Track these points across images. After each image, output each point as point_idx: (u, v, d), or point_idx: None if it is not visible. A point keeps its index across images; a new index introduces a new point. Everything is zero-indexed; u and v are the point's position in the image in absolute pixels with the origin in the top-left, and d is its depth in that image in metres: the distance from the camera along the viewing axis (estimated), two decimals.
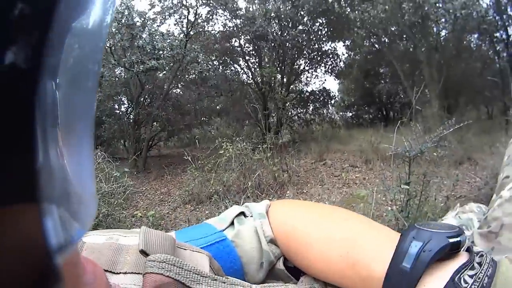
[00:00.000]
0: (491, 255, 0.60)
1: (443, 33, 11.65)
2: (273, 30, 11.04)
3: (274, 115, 11.48)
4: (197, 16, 10.92)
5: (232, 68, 12.56)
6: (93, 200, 0.27)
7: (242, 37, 11.97)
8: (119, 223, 4.82)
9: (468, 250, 0.53)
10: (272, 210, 0.73)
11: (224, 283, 0.53)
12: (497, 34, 12.13)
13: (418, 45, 10.74)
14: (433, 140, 4.84)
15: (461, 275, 0.48)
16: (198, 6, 10.74)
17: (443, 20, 9.98)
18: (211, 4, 10.78)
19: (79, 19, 0.21)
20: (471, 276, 0.47)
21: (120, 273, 0.50)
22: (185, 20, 10.83)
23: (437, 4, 9.21)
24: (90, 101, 0.27)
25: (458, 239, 0.51)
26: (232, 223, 0.69)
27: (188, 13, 10.76)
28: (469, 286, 0.46)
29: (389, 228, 0.62)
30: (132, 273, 0.51)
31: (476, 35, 12.45)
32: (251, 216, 0.71)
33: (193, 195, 6.46)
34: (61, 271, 0.20)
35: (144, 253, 0.50)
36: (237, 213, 0.71)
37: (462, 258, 0.52)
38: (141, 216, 5.36)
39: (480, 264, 0.49)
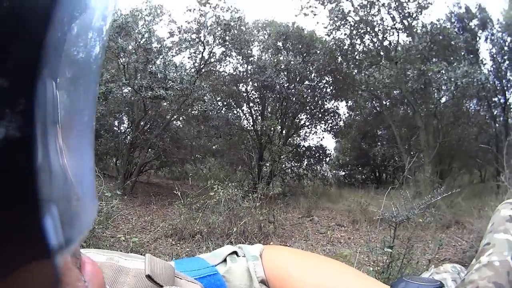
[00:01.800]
0: None
1: (443, 99, 11.99)
2: (281, 81, 11.21)
3: (268, 165, 11.47)
4: (211, 55, 11.12)
5: (235, 112, 12.68)
6: (93, 201, 0.28)
7: (250, 83, 12.17)
8: (99, 241, 4.79)
9: None
10: (266, 253, 0.77)
11: None
12: (495, 99, 12.54)
13: (417, 110, 10.97)
14: (420, 207, 4.91)
15: None
16: (214, 45, 10.92)
17: (444, 87, 10.26)
18: (226, 46, 10.97)
19: (80, 19, 0.22)
20: None
21: None
22: (199, 56, 11.02)
23: (441, 71, 9.48)
24: (91, 101, 0.28)
25: None
26: (224, 260, 0.73)
27: (204, 50, 10.95)
28: None
29: (378, 281, 0.68)
30: None
31: (475, 101, 12.81)
32: (244, 256, 0.75)
33: (176, 230, 6.40)
34: (61, 271, 0.21)
35: (150, 278, 0.55)
36: (231, 252, 0.75)
37: None
38: (123, 240, 5.29)
39: None
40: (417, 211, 4.88)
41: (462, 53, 11.77)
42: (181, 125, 12.78)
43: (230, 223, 6.25)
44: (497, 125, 12.71)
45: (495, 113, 12.94)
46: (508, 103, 12.77)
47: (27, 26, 0.17)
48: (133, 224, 7.15)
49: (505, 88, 12.67)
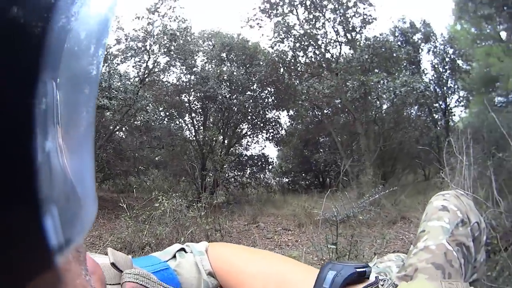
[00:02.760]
0: None
1: (384, 107, 12.64)
2: (223, 92, 11.28)
3: (211, 175, 11.49)
4: (155, 64, 11.03)
5: (177, 122, 12.61)
6: (93, 200, 0.29)
7: (193, 93, 12.16)
8: None
9: (376, 278, 0.74)
10: (211, 249, 0.88)
11: None
12: (436, 105, 13.49)
13: (358, 118, 11.38)
14: (360, 205, 5.15)
15: None
16: (159, 54, 10.86)
17: (384, 96, 10.71)
18: (171, 56, 10.93)
19: (80, 19, 0.23)
20: None
21: None
22: (144, 65, 10.91)
23: (381, 81, 9.97)
24: (90, 101, 0.28)
25: (364, 269, 0.72)
26: (174, 256, 0.83)
27: (149, 59, 10.85)
28: None
29: (311, 266, 0.81)
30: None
31: (416, 107, 13.59)
32: (191, 252, 0.85)
33: (125, 243, 6.25)
34: (61, 270, 0.22)
35: (114, 265, 0.64)
36: (179, 249, 0.85)
37: (369, 282, 0.71)
38: None
39: (383, 285, 0.71)
40: (357, 209, 5.15)
41: (404, 64, 12.48)
42: (123, 136, 12.47)
43: (177, 233, 6.23)
44: (438, 128, 13.76)
45: (436, 117, 14.14)
46: (448, 107, 14.00)
47: (28, 26, 0.18)
48: None
49: (446, 95, 13.90)
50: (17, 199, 0.18)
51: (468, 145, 5.05)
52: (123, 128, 12.09)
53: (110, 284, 0.62)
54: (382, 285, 0.69)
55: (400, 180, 12.21)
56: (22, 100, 0.17)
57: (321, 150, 14.46)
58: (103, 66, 9.55)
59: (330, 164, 14.06)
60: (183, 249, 0.85)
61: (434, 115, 14.30)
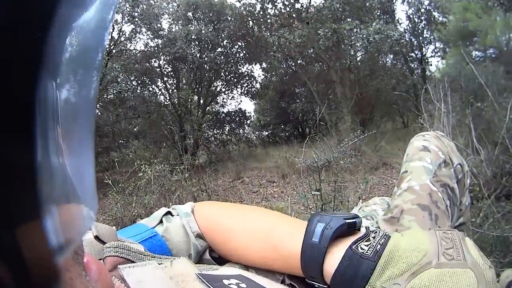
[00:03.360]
0: None
1: (358, 55, 12.58)
2: (192, 51, 11.14)
3: (190, 136, 11.49)
4: (121, 33, 10.84)
5: (150, 89, 12.45)
6: (93, 200, 0.29)
7: (162, 57, 11.96)
8: None
9: (366, 229, 0.69)
10: (197, 209, 0.86)
11: (160, 258, 0.65)
12: (412, 54, 13.52)
13: (332, 66, 11.31)
14: (340, 150, 5.16)
15: (358, 244, 0.64)
16: (123, 23, 10.64)
17: (358, 44, 10.63)
18: (135, 22, 10.69)
19: (80, 19, 0.23)
20: (366, 245, 0.64)
21: None
22: (109, 37, 10.60)
23: (354, 29, 9.81)
24: (90, 101, 0.28)
25: (353, 220, 0.68)
26: (161, 221, 0.81)
27: (113, 30, 10.60)
28: (365, 251, 0.62)
29: (298, 219, 0.79)
30: None
31: (391, 56, 13.59)
32: (178, 215, 0.83)
33: (116, 219, 6.20)
34: (61, 270, 0.22)
35: (98, 238, 0.63)
36: (165, 213, 0.83)
37: (360, 234, 0.68)
38: None
39: (374, 237, 0.65)
40: (337, 153, 5.17)
41: (377, 14, 12.34)
42: (99, 113, 12.31)
43: (164, 199, 6.22)
44: (414, 76, 13.84)
45: (412, 66, 14.26)
46: (424, 57, 14.06)
47: (28, 25, 0.18)
48: None
49: (422, 45, 13.98)
50: (17, 199, 0.18)
51: (445, 93, 5.06)
52: (97, 105, 11.84)
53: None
54: (374, 237, 0.65)
55: (379, 127, 12.36)
56: (22, 100, 0.17)
57: (298, 101, 14.49)
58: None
59: (308, 113, 14.12)
60: (169, 213, 0.84)
61: (410, 64, 14.40)
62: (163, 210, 0.85)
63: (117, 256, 0.61)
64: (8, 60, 0.17)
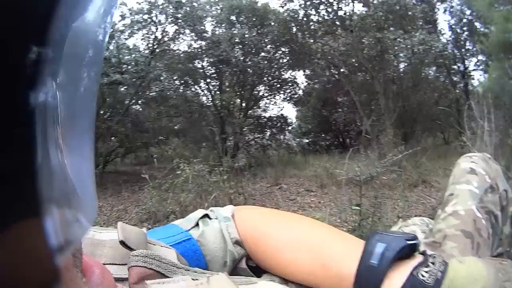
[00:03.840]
0: None
1: (401, 66, 12.24)
2: (236, 55, 11.19)
3: (231, 139, 11.49)
4: (164, 34, 10.98)
5: (193, 89, 12.60)
6: (93, 200, 0.29)
7: (206, 59, 12.02)
8: None
9: (424, 253, 0.64)
10: (238, 214, 0.78)
11: (196, 272, 0.59)
12: (455, 67, 13.07)
13: (375, 76, 11.06)
14: (383, 165, 5.03)
15: (419, 271, 0.59)
16: (166, 24, 10.78)
17: (402, 54, 10.44)
18: (179, 24, 10.83)
19: (80, 18, 0.22)
20: (427, 272, 0.59)
21: None
22: (152, 37, 10.86)
23: (398, 39, 9.61)
24: (91, 101, 0.28)
25: (415, 241, 0.62)
26: (197, 224, 0.74)
27: (156, 29, 10.79)
28: (426, 279, 0.58)
29: (350, 235, 0.72)
30: (110, 264, 0.56)
31: (434, 68, 13.22)
32: (216, 219, 0.76)
33: (150, 213, 6.35)
34: (61, 271, 0.22)
35: (123, 244, 0.56)
36: (202, 215, 0.76)
37: (419, 258, 0.62)
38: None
39: (433, 263, 0.61)
40: (380, 169, 5.03)
41: (420, 23, 11.86)
42: (140, 109, 12.57)
43: (200, 199, 6.21)
44: (457, 90, 13.24)
45: (454, 79, 13.51)
46: (467, 70, 13.38)
47: (27, 25, 0.17)
48: (107, 215, 7.06)
49: (464, 57, 13.30)
50: (17, 200, 0.18)
51: (489, 111, 4.89)
52: (139, 101, 12.20)
53: (119, 264, 0.57)
54: (433, 263, 0.60)
55: (420, 142, 12.05)
56: (21, 100, 0.17)
57: (340, 110, 14.28)
58: (111, 43, 9.66)
59: (350, 123, 13.88)
60: (206, 216, 0.77)
61: (453, 77, 13.69)
62: (200, 212, 0.78)
63: (145, 267, 0.55)
64: (7, 60, 0.17)
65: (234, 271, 0.74)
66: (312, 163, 9.69)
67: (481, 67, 13.42)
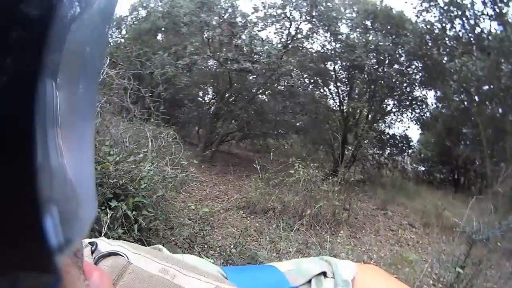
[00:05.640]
0: None
1: None
2: (371, 62, 10.97)
3: (350, 148, 11.31)
4: (298, 31, 11.06)
5: (322, 90, 12.60)
6: (93, 201, 0.29)
7: (339, 62, 11.97)
8: (170, 205, 4.88)
9: None
10: (359, 278, 0.63)
11: None
12: None
13: (508, 111, 10.09)
14: (502, 229, 4.46)
15: None
16: (300, 21, 10.85)
17: None
18: (313, 22, 10.82)
19: (81, 18, 0.22)
20: None
21: None
22: (286, 32, 11.00)
23: None
24: (91, 101, 0.28)
25: None
26: (309, 281, 0.59)
27: (290, 25, 10.91)
28: None
29: None
30: None
31: None
32: (333, 278, 0.61)
33: (249, 203, 6.52)
34: (60, 270, 0.22)
35: None
36: (319, 272, 0.61)
37: None
38: (193, 209, 5.33)
39: None
40: (498, 232, 4.34)
41: None
42: (266, 100, 12.89)
43: (305, 204, 6.28)
44: None
45: None
46: None
47: (27, 25, 0.18)
48: (207, 192, 7.33)
49: None
50: (17, 200, 0.19)
51: None
52: (266, 92, 12.53)
53: None
54: None
55: None
56: (21, 100, 0.18)
57: (462, 143, 13.31)
58: (244, 32, 9.95)
59: (471, 162, 12.75)
60: (323, 273, 0.61)
61: None
62: (318, 266, 0.61)
63: None
64: (7, 60, 0.17)
65: None
66: (423, 196, 9.32)
67: None
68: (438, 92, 12.99)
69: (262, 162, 6.94)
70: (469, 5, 10.56)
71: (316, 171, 6.72)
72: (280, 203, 6.28)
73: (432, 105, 13.56)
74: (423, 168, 14.62)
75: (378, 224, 6.81)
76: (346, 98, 12.33)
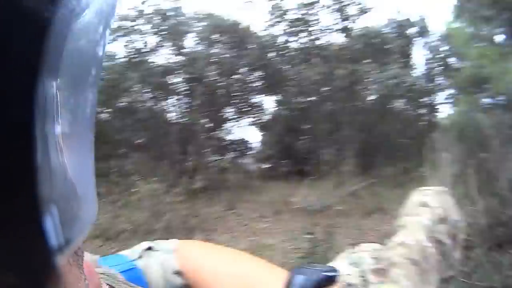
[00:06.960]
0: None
1: (371, 98, 12.50)
2: (210, 74, 11.30)
3: (191, 159, 11.41)
4: (145, 44, 11.05)
5: (162, 104, 12.48)
6: (93, 201, 0.29)
7: (182, 75, 11.92)
8: None
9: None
10: (180, 247, 0.83)
11: None
12: (423, 100, 13.32)
13: (344, 107, 11.33)
14: (337, 196, 5.11)
15: None
16: (150, 34, 10.90)
17: (373, 86, 10.78)
18: (162, 36, 10.93)
19: (81, 18, 0.22)
20: None
21: None
22: (132, 45, 10.93)
23: (371, 72, 10.00)
24: (91, 101, 0.28)
25: (332, 274, 0.71)
26: (141, 255, 0.79)
27: (139, 39, 10.90)
28: None
29: (278, 267, 0.80)
30: None
31: (403, 100, 13.47)
32: (159, 251, 0.81)
33: (102, 230, 6.19)
34: (61, 271, 0.21)
35: None
36: (146, 247, 0.81)
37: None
38: None
39: None
40: (335, 199, 5.11)
41: (395, 57, 12.28)
42: (108, 118, 12.37)
43: (154, 218, 6.24)
44: (422, 123, 13.54)
45: (421, 112, 13.87)
46: (435, 104, 13.77)
47: (27, 24, 0.17)
48: None
49: (435, 91, 13.64)
50: (17, 199, 0.18)
51: (451, 143, 5.07)
52: (107, 110, 11.91)
53: None
54: None
55: (380, 172, 12.22)
56: (21, 100, 0.18)
57: (302, 138, 14.34)
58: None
59: (311, 152, 13.93)
60: (150, 248, 0.82)
61: (420, 110, 14.14)
62: (145, 244, 0.83)
63: (106, 283, 0.59)
64: (8, 60, 0.17)
65: None
66: (269, 189, 9.72)
67: (449, 101, 13.79)
68: (277, 96, 13.84)
69: (107, 185, 6.79)
70: (316, 21, 11.82)
71: (158, 184, 6.75)
72: (130, 223, 6.15)
73: (272, 108, 14.42)
74: (269, 165, 15.27)
75: (230, 223, 6.96)
76: (186, 110, 12.35)
